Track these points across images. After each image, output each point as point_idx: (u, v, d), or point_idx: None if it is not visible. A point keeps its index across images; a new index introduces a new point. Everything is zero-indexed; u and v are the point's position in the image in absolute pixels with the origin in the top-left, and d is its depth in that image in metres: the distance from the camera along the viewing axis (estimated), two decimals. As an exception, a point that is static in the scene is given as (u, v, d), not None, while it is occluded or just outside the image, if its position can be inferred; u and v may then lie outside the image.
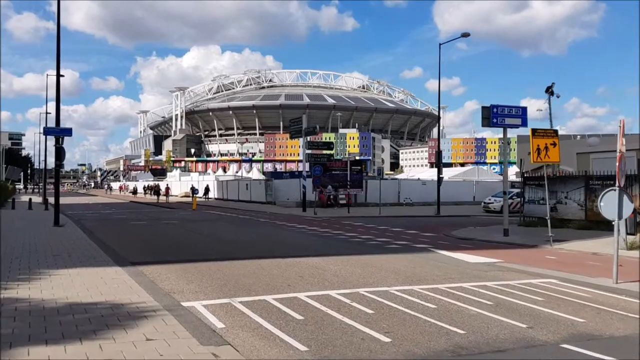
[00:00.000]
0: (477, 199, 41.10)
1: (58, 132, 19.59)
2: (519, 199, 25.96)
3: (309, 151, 34.21)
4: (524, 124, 18.22)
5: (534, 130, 15.80)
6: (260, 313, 7.13)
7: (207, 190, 52.35)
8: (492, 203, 32.97)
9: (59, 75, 20.03)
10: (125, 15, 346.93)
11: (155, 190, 54.56)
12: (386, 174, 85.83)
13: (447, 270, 10.93)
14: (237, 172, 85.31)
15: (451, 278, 9.91)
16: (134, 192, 64.25)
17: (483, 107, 17.97)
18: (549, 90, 18.69)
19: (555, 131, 16.15)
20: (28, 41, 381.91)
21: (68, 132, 19.89)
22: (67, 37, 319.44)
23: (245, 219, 26.75)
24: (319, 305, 7.60)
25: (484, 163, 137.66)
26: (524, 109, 18.22)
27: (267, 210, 34.06)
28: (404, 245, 15.51)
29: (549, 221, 15.72)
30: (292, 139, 50.17)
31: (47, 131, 20.76)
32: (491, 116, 17.68)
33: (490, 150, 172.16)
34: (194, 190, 47.43)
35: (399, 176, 70.36)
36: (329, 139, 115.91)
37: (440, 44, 31.22)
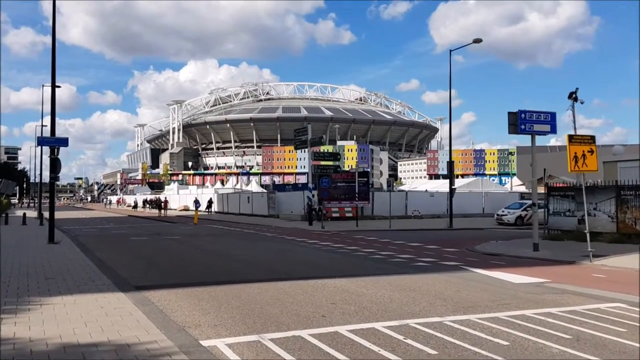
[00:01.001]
0: (487, 211, 39.88)
1: (53, 142, 18.28)
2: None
3: (315, 162, 33.02)
4: (553, 130, 17.01)
5: (570, 137, 14.60)
6: (299, 355, 5.78)
7: (210, 203, 51.03)
8: (506, 215, 31.72)
9: (54, 85, 18.78)
10: (123, 29, 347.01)
11: (157, 204, 53.07)
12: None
13: (495, 293, 9.60)
14: (235, 184, 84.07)
15: (506, 304, 8.58)
16: (134, 206, 62.72)
17: (509, 113, 16.77)
18: (573, 96, 17.36)
19: (593, 137, 14.90)
20: (25, 56, 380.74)
21: (64, 142, 18.57)
22: (64, 52, 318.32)
23: (251, 234, 25.39)
24: (367, 343, 6.25)
25: (483, 174, 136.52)
26: (553, 115, 16.99)
27: (272, 224, 32.71)
28: (431, 262, 14.18)
29: (587, 235, 14.48)
30: (296, 150, 49.00)
31: (41, 141, 19.50)
32: (519, 122, 16.47)
33: (489, 161, 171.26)
34: (197, 204, 46.10)
35: (402, 188, 69.17)
36: (327, 151, 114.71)
37: (450, 50, 30.31)
